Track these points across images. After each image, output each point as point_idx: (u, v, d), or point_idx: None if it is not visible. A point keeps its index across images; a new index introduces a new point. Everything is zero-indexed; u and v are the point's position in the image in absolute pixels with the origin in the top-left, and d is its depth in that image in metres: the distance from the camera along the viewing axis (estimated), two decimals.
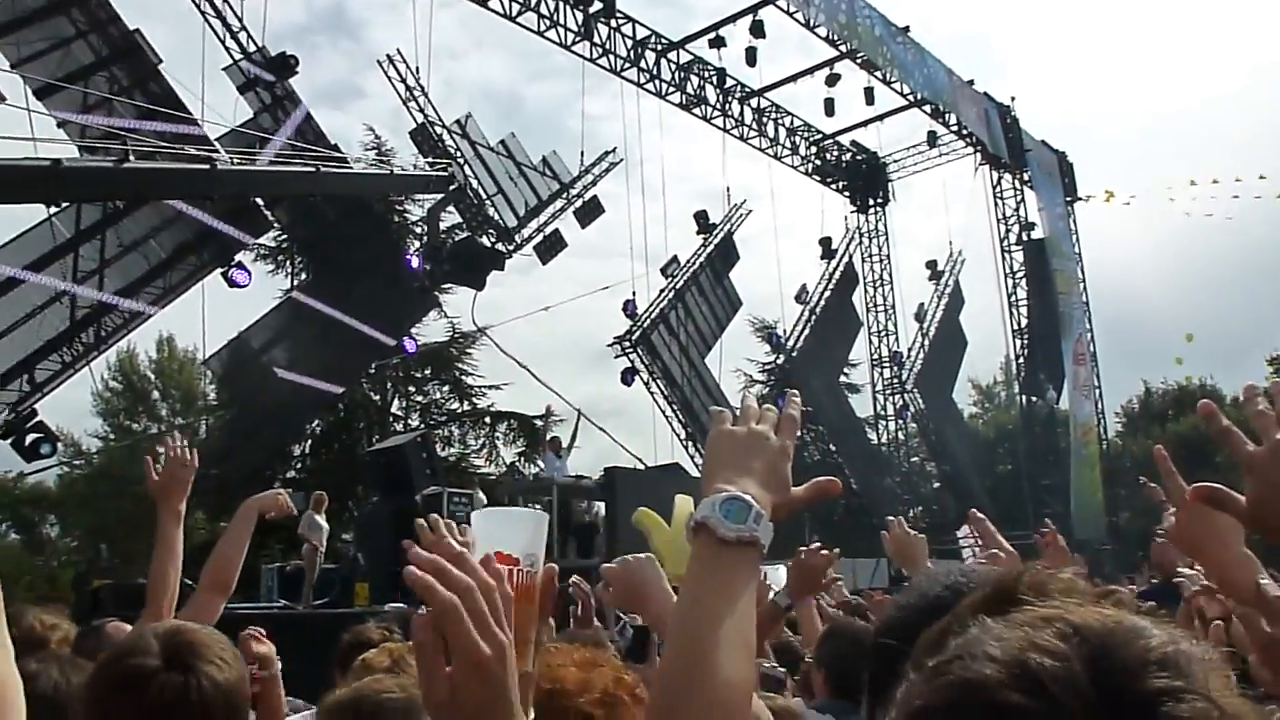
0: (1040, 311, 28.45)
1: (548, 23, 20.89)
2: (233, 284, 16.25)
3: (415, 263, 19.85)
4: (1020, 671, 0.67)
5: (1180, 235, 66.40)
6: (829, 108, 25.85)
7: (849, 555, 20.06)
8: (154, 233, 16.46)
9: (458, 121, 20.75)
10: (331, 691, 2.28)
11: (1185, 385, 41.27)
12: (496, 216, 20.94)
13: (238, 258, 16.89)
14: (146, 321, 16.72)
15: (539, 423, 26.83)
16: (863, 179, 30.87)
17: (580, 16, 21.32)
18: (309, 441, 26.25)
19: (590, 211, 22.70)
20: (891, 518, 3.93)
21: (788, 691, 3.79)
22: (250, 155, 15.06)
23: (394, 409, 27.42)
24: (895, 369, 30.19)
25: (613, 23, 22.24)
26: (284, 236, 22.59)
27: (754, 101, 26.61)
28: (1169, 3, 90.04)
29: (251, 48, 17.19)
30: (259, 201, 17.37)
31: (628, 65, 22.89)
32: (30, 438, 14.51)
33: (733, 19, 23.38)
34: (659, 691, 1.21)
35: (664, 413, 24.02)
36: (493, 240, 20.61)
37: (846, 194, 30.98)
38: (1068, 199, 30.44)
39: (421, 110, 20.10)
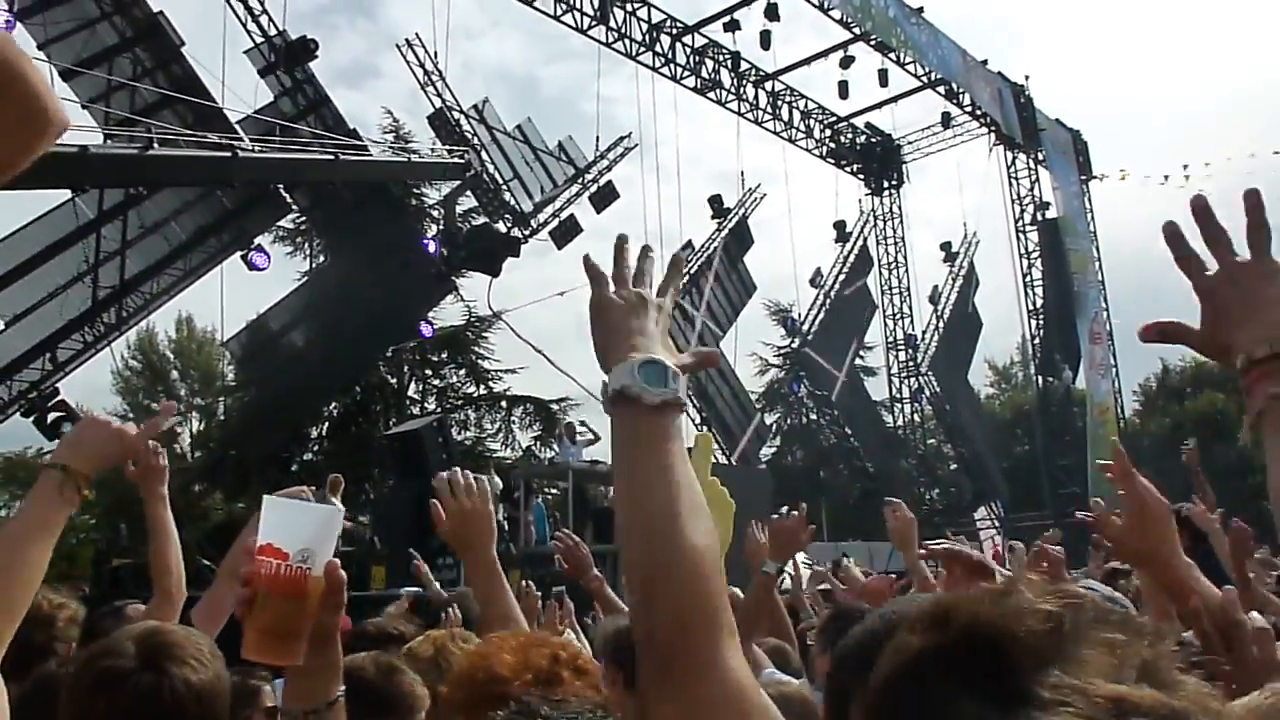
0: (1055, 291, 28.38)
1: (564, 7, 20.95)
2: (252, 267, 16.38)
3: (432, 247, 19.96)
4: None
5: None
6: (843, 90, 25.82)
7: (865, 539, 20.13)
8: (175, 215, 16.64)
9: (475, 106, 20.83)
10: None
11: (1203, 363, 41.19)
12: (512, 201, 21.02)
13: (257, 240, 17.07)
14: (168, 302, 16.94)
15: (555, 407, 27.00)
16: (877, 161, 30.80)
17: (596, 1, 21.36)
18: (325, 424, 26.41)
19: (605, 196, 22.73)
20: (891, 499, 4.04)
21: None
22: (270, 141, 15.16)
23: (410, 392, 27.52)
24: (910, 351, 30.20)
25: (628, 7, 22.29)
26: (302, 219, 22.75)
27: (768, 85, 26.59)
28: None
29: (273, 30, 17.29)
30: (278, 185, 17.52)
31: (643, 49, 22.93)
32: (52, 416, 14.75)
33: (747, 2, 23.35)
34: (630, 581, 1.13)
35: None
36: (508, 225, 20.70)
37: (861, 177, 30.94)
38: (1082, 178, 30.27)
39: (439, 95, 20.20)
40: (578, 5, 21.15)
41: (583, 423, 17.12)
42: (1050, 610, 0.71)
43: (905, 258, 31.03)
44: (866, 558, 15.78)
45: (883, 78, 25.51)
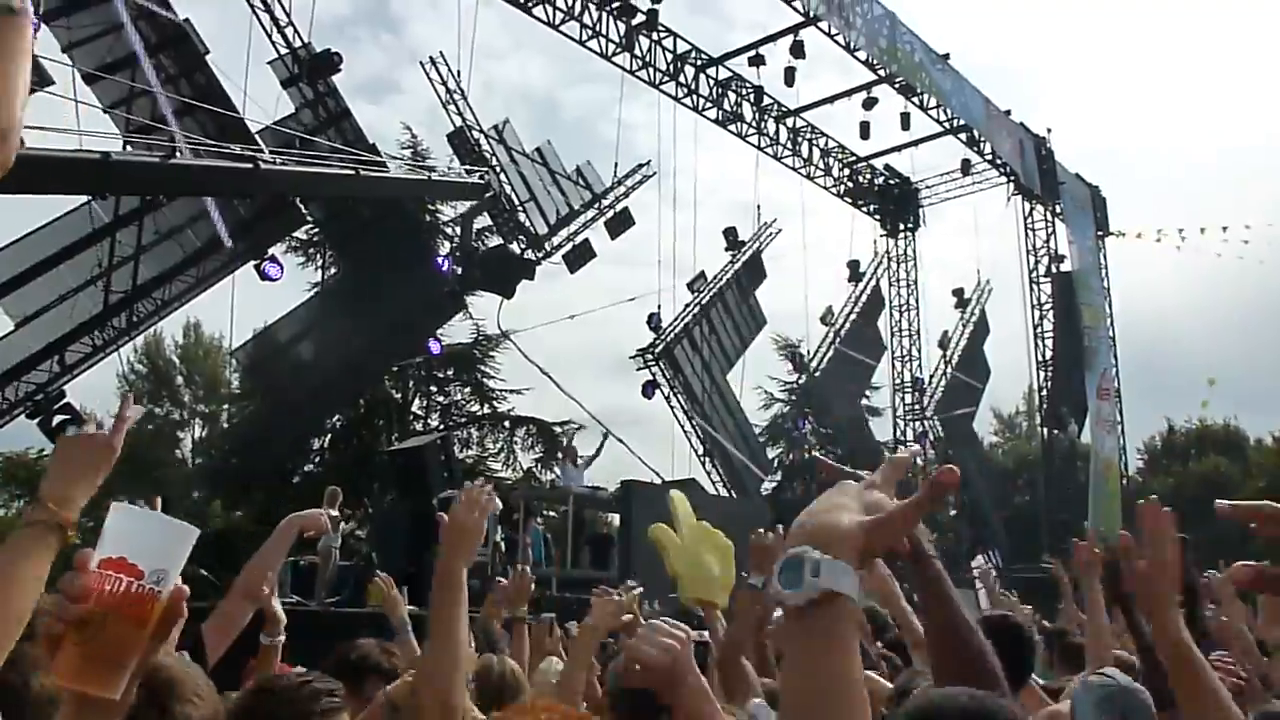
0: (1066, 344, 28.24)
1: (590, 33, 20.95)
2: (265, 277, 16.29)
3: (445, 265, 19.90)
4: None
5: (1211, 275, 66.03)
6: (864, 131, 25.75)
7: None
8: (190, 222, 16.61)
9: (495, 127, 20.83)
10: None
11: (1208, 425, 41.08)
12: (528, 223, 20.98)
13: (271, 251, 17.01)
14: (179, 309, 16.90)
15: (558, 429, 26.86)
16: (894, 203, 30.77)
17: (623, 28, 21.37)
18: (328, 436, 26.31)
19: (621, 223, 22.69)
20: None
21: None
22: (290, 153, 15.14)
23: (414, 408, 27.39)
24: (917, 395, 30.10)
25: (654, 36, 22.30)
26: (316, 230, 22.70)
27: (789, 121, 26.57)
28: (1210, 44, 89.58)
29: (298, 42, 17.29)
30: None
31: (666, 79, 22.94)
32: (57, 419, 14.65)
33: (773, 38, 23.32)
34: None
35: (683, 428, 24.04)
36: (522, 247, 20.65)
37: (877, 217, 30.90)
38: (1099, 233, 30.22)
39: (460, 114, 20.18)
40: (603, 31, 21.16)
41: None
42: None
43: (917, 300, 30.96)
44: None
45: (905, 121, 25.45)
